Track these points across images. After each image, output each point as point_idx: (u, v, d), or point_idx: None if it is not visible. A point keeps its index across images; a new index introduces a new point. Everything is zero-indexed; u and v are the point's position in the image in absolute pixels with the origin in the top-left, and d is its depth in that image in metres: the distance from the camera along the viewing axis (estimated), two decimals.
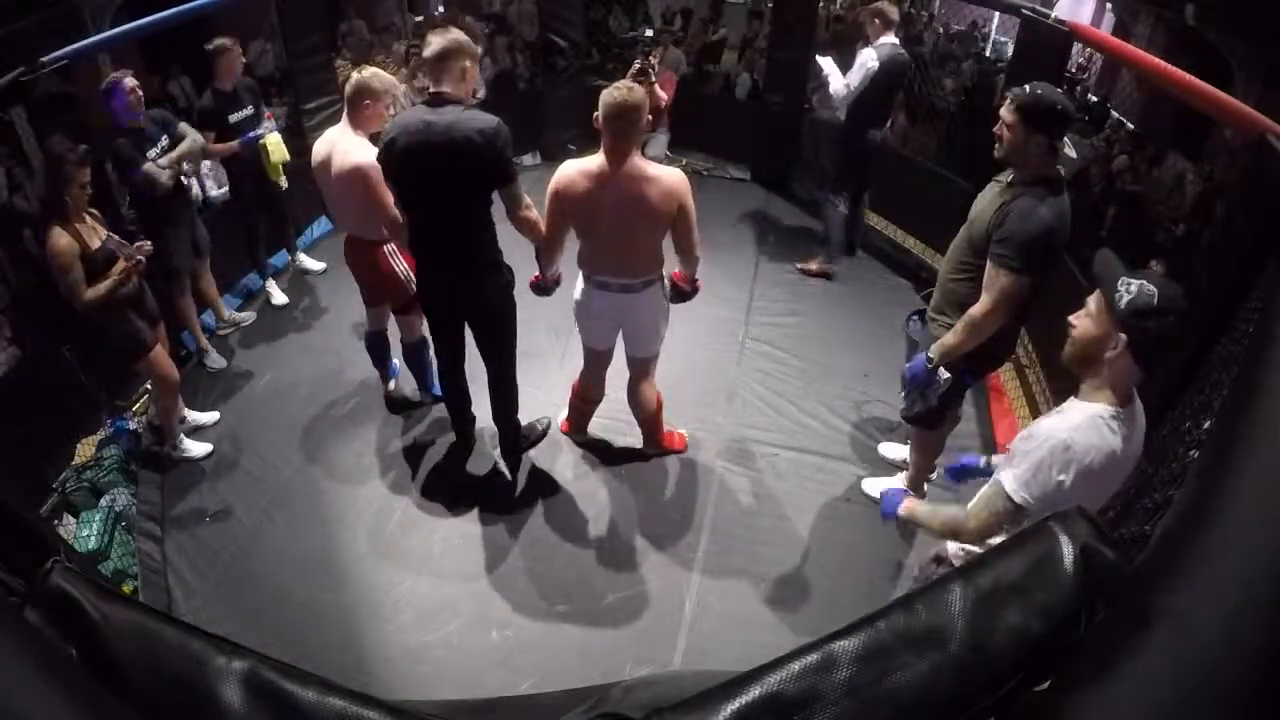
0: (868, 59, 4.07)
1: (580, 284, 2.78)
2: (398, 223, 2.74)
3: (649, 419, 3.17)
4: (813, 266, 4.69)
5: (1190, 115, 4.86)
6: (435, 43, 2.35)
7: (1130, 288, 1.47)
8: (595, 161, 2.47)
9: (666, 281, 2.78)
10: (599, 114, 2.40)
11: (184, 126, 3.56)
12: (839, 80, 4.17)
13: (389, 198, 2.74)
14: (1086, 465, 1.52)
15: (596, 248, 2.65)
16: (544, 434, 3.25)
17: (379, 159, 2.52)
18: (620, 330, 2.88)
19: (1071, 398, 1.64)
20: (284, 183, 4.10)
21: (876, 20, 4.16)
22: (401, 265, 3.12)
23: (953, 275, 2.43)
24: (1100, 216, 5.27)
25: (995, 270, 2.21)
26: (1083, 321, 1.57)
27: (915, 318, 2.75)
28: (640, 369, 2.99)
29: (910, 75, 4.27)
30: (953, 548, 1.93)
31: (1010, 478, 1.60)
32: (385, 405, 3.63)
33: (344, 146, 2.86)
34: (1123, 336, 1.48)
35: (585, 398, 3.19)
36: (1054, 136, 2.14)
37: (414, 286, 3.07)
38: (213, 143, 3.79)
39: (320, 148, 2.95)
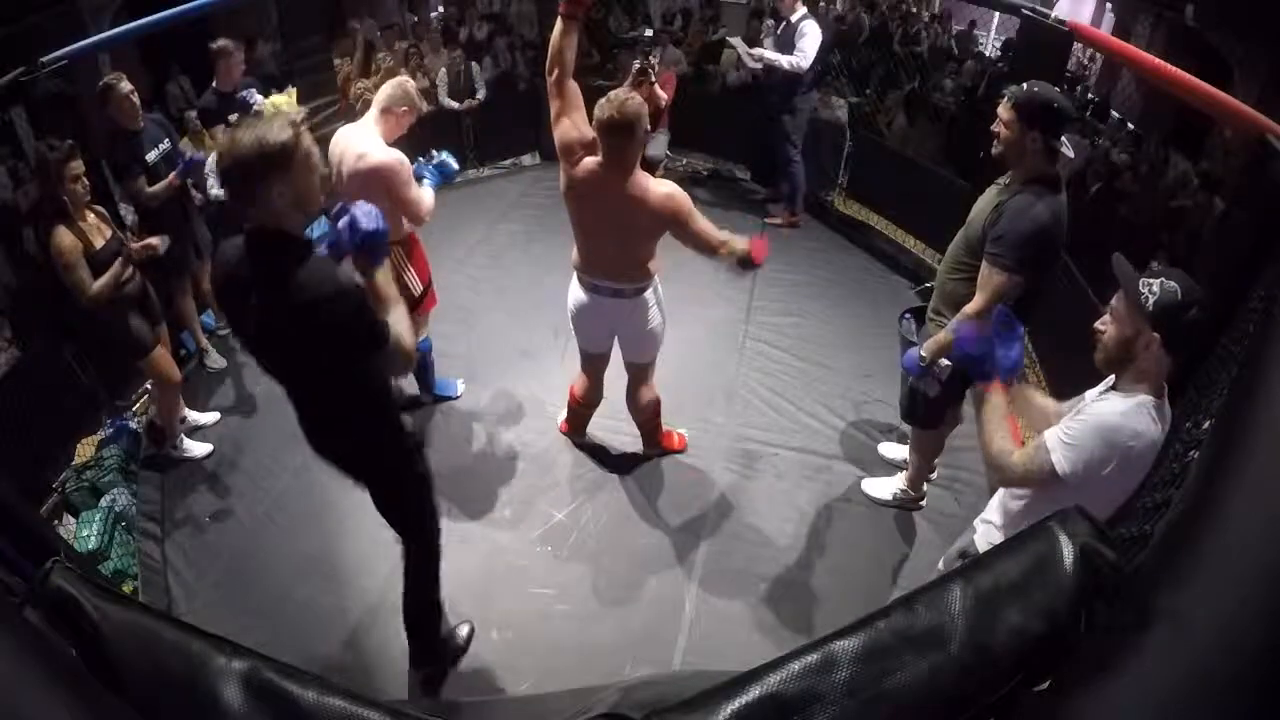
0: (812, 30, 4.57)
1: (574, 286, 2.76)
2: (425, 219, 2.83)
3: (647, 421, 3.17)
4: (779, 220, 5.24)
5: (1190, 115, 4.86)
6: (238, 143, 1.54)
7: (1153, 287, 1.54)
8: (597, 163, 2.43)
9: (659, 290, 2.76)
10: (595, 126, 2.34)
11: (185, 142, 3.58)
12: (792, 59, 4.63)
13: (416, 191, 2.77)
14: (1128, 450, 1.57)
15: (588, 249, 2.63)
16: (464, 647, 2.52)
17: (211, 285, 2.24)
18: (615, 335, 2.87)
19: (1110, 390, 1.68)
20: None
21: None
22: (408, 269, 3.09)
23: (950, 275, 2.44)
24: (1100, 216, 5.27)
25: (988, 269, 2.22)
26: (1110, 326, 1.62)
27: (908, 316, 2.74)
28: (637, 373, 2.99)
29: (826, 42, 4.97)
30: (980, 543, 1.94)
31: (1057, 443, 1.64)
32: None
33: (361, 147, 2.76)
34: (1155, 335, 1.54)
35: (583, 401, 3.19)
36: (1050, 134, 2.13)
37: (419, 291, 3.11)
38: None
39: (333, 150, 2.83)
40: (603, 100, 2.32)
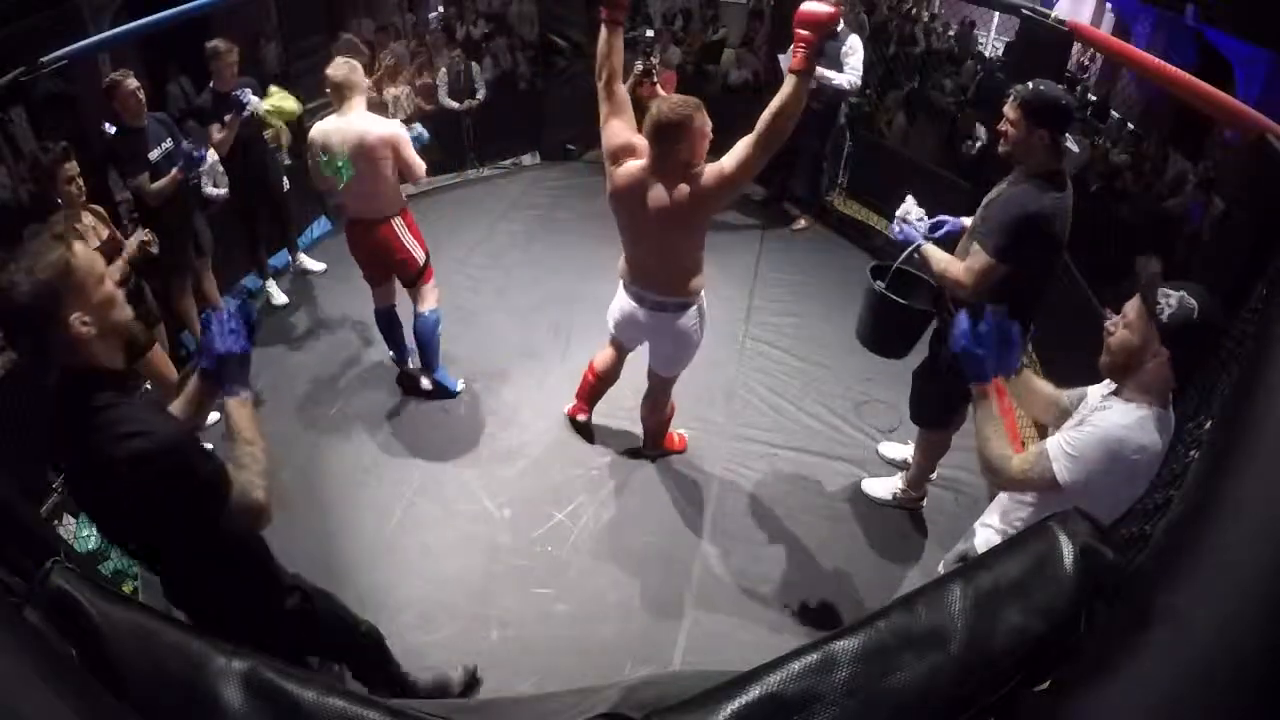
0: (859, 46, 4.47)
1: (619, 293, 2.76)
2: (422, 176, 3.20)
3: (656, 424, 3.17)
4: (804, 224, 5.25)
5: (1190, 115, 4.86)
6: (7, 290, 1.27)
7: (1170, 300, 1.48)
8: (642, 165, 2.42)
9: (704, 309, 2.73)
10: (645, 128, 2.35)
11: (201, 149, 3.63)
12: (848, 77, 4.49)
13: (413, 152, 3.07)
14: (1132, 463, 1.54)
15: (633, 256, 2.63)
16: (464, 692, 2.35)
17: None
18: (647, 344, 2.88)
19: (1113, 396, 1.65)
20: (286, 138, 4.18)
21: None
22: (409, 237, 3.28)
23: None
24: (1099, 216, 5.27)
25: (975, 248, 2.24)
26: (1121, 331, 1.57)
27: (880, 283, 2.56)
28: (658, 384, 2.99)
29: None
30: (980, 547, 1.93)
31: (1060, 452, 1.61)
32: (397, 382, 3.71)
33: (362, 125, 2.98)
34: (1165, 351, 1.49)
35: (600, 375, 3.18)
36: (1057, 132, 2.15)
37: (423, 259, 3.37)
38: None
39: (332, 137, 3.00)
40: (657, 103, 2.34)
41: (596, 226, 5.08)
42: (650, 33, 5.28)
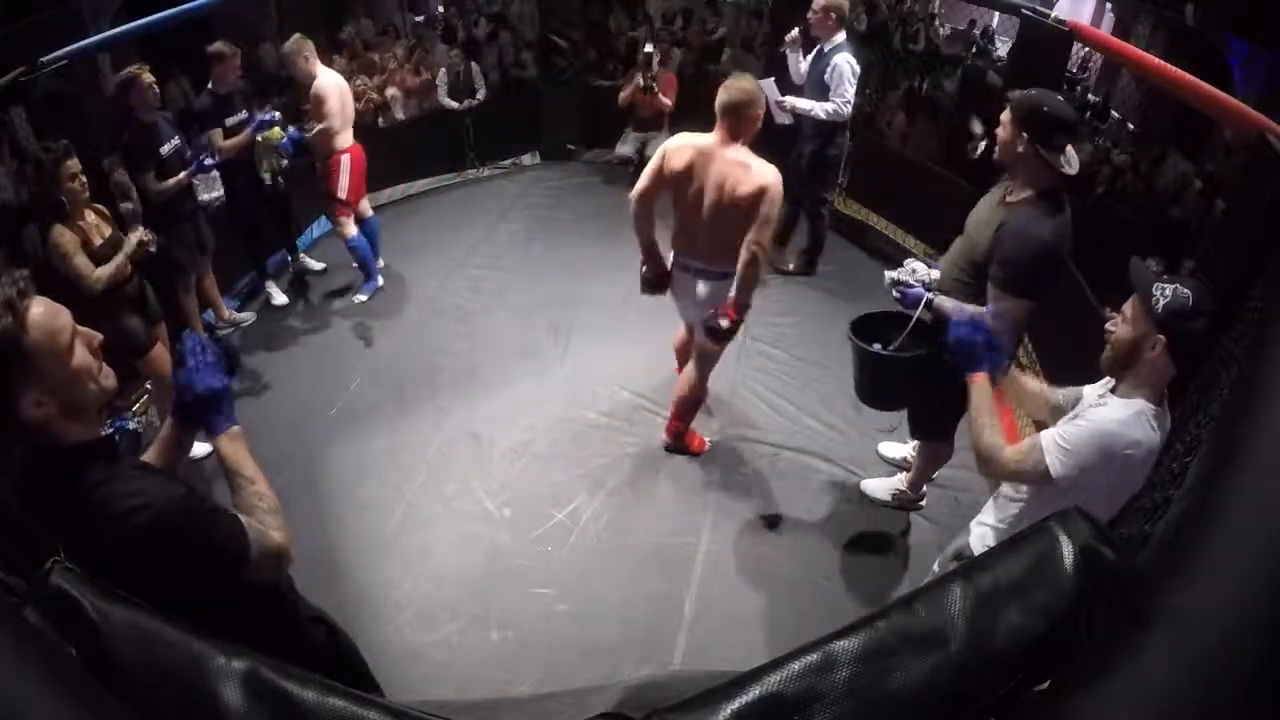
0: (847, 67, 3.90)
1: (670, 259, 2.91)
2: None
3: (682, 401, 3.17)
4: (790, 268, 4.68)
5: (1190, 115, 4.86)
6: None
7: (1165, 291, 1.53)
8: (707, 139, 2.65)
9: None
10: (717, 105, 2.61)
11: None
12: (830, 106, 3.98)
13: None
14: (1127, 458, 1.56)
15: (684, 224, 2.78)
16: None
17: None
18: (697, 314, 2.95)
19: (1109, 393, 1.67)
20: (269, 178, 4.08)
21: (833, 16, 3.85)
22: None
23: (951, 285, 2.34)
24: (1100, 216, 5.27)
25: (999, 294, 2.13)
26: (1120, 328, 1.62)
27: (852, 335, 2.45)
28: (703, 360, 3.06)
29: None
30: (975, 545, 1.93)
31: (1053, 445, 1.62)
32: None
33: (334, 74, 4.17)
34: (1161, 338, 1.53)
35: (679, 350, 3.37)
36: (1052, 148, 2.04)
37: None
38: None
39: (340, 87, 4.06)
40: (724, 84, 2.62)
41: (596, 226, 5.07)
42: (650, 48, 5.34)
